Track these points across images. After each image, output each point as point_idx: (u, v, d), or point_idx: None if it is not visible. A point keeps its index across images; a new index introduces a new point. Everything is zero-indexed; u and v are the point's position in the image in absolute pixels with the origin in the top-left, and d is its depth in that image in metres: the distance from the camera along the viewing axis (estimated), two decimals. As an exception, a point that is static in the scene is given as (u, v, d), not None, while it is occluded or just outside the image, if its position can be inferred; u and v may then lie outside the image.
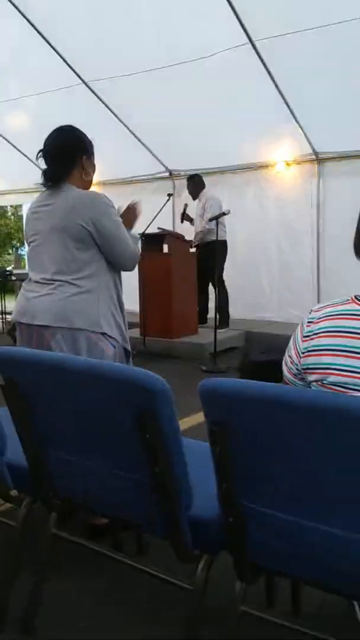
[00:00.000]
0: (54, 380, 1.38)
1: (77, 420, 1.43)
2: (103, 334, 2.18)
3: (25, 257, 11.01)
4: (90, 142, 2.30)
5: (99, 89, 6.66)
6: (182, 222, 6.84)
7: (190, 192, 6.83)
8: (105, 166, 6.93)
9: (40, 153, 2.25)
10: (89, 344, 2.14)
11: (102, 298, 2.20)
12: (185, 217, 6.84)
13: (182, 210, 6.86)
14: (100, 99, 6.76)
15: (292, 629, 1.41)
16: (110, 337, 2.20)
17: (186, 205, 6.86)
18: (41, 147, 2.26)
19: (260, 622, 1.45)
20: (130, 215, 2.46)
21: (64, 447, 1.53)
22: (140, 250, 2.35)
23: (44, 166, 2.25)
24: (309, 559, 1.22)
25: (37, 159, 2.26)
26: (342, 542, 1.12)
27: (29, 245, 2.33)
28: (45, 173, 2.23)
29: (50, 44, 6.10)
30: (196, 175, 6.88)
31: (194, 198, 6.76)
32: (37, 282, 2.21)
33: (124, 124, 7.10)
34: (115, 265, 2.27)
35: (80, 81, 6.53)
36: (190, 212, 6.88)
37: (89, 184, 2.32)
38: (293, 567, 1.30)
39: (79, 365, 1.31)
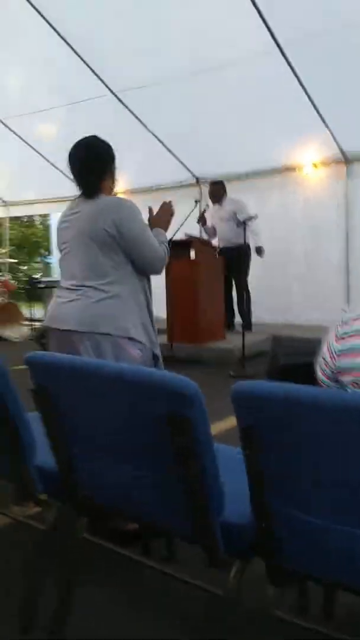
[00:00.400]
0: (85, 385, 1.39)
1: (107, 424, 1.44)
2: (130, 338, 2.19)
3: (53, 266, 11.15)
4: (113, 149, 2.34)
5: (127, 98, 6.73)
6: (199, 223, 6.78)
7: (214, 196, 6.78)
8: (133, 174, 7.03)
9: (72, 164, 2.28)
10: (116, 348, 2.15)
11: (129, 303, 2.22)
12: (201, 219, 6.79)
13: (201, 212, 6.80)
14: (128, 108, 6.84)
15: (325, 634, 1.39)
16: (137, 341, 2.21)
17: (207, 207, 6.83)
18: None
19: (292, 627, 1.43)
20: (164, 215, 2.48)
21: (94, 451, 1.54)
22: (168, 253, 2.35)
23: (70, 176, 2.29)
24: (341, 564, 1.20)
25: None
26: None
27: (60, 254, 2.37)
28: (82, 185, 2.26)
29: (79, 55, 6.21)
30: (221, 181, 6.88)
31: (215, 202, 6.75)
32: (67, 288, 2.25)
33: (151, 132, 7.15)
34: (142, 269, 2.28)
35: (108, 91, 6.62)
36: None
37: (111, 190, 2.37)
38: (325, 572, 1.28)
39: (110, 370, 1.31)
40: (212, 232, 6.87)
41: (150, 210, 2.46)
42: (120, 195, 2.44)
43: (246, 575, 1.44)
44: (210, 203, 6.87)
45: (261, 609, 1.40)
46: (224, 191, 6.79)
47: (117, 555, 1.73)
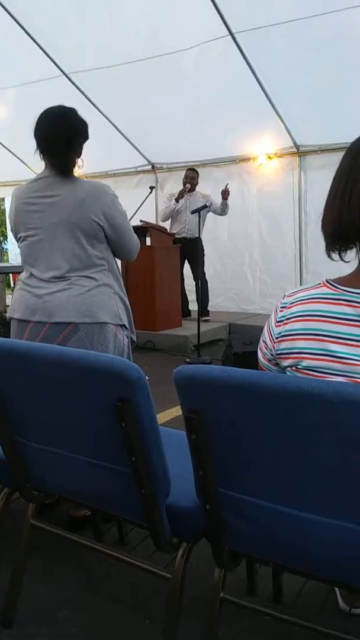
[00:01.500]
0: (27, 370, 1.37)
1: (52, 410, 1.42)
2: (122, 325, 2.18)
3: (8, 251, 10.89)
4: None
5: (80, 81, 6.60)
6: (176, 199, 6.54)
7: (192, 184, 6.60)
8: (88, 159, 6.87)
9: (42, 140, 2.08)
10: (110, 337, 2.12)
11: (117, 290, 2.19)
12: (180, 197, 6.55)
13: (182, 191, 6.56)
14: (82, 91, 6.71)
15: (273, 615, 1.42)
16: (126, 328, 2.21)
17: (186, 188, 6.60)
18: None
19: (241, 609, 1.46)
20: None
21: (40, 437, 1.52)
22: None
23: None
24: (286, 545, 1.23)
25: (39, 148, 2.09)
26: (318, 527, 1.12)
27: (23, 240, 2.16)
28: (58, 162, 2.08)
29: (30, 36, 6.03)
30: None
31: (190, 190, 6.58)
32: (46, 280, 2.09)
33: (106, 117, 7.06)
34: (121, 256, 2.26)
35: (60, 73, 6.47)
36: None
37: (76, 169, 2.21)
38: (270, 553, 1.31)
39: (53, 354, 1.30)
40: (170, 214, 6.68)
41: None
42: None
43: (196, 558, 1.47)
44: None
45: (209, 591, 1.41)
46: (197, 182, 6.71)
47: (68, 540, 1.72)
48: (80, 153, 2.17)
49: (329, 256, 1.17)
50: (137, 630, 1.69)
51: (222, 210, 6.56)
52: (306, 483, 1.09)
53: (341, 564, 1.17)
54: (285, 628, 1.54)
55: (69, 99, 7.06)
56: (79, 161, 2.16)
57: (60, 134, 2.06)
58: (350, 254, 1.14)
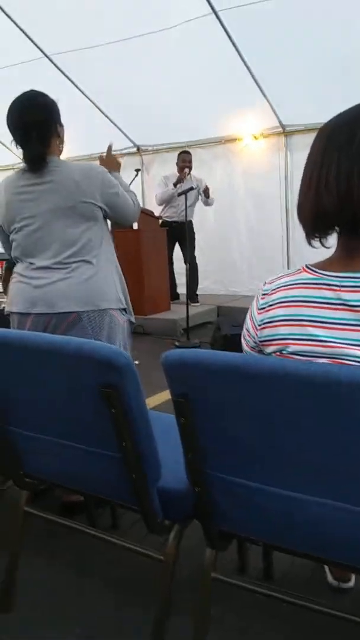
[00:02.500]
0: (15, 358, 1.36)
1: (42, 398, 1.43)
2: (123, 309, 2.18)
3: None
4: (56, 103, 2.12)
5: (62, 63, 6.50)
6: (175, 184, 6.44)
7: (190, 168, 6.50)
8: (72, 143, 6.81)
9: (14, 130, 2.03)
10: (112, 321, 2.12)
11: (116, 272, 2.19)
12: (179, 181, 6.44)
13: (182, 175, 6.44)
14: (64, 73, 6.62)
15: (264, 593, 1.44)
16: (126, 311, 2.22)
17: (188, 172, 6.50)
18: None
19: (232, 587, 1.49)
20: (111, 155, 2.42)
21: (31, 425, 1.53)
22: (136, 197, 2.33)
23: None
24: (275, 525, 1.25)
25: (13, 139, 2.05)
26: (306, 506, 1.14)
27: (18, 231, 2.10)
28: (26, 153, 2.03)
29: (10, 17, 5.91)
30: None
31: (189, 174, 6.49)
32: (46, 267, 2.06)
33: (90, 99, 6.97)
34: (119, 223, 2.28)
35: (42, 54, 6.37)
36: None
37: (61, 151, 2.18)
38: (260, 533, 1.33)
39: (41, 342, 1.29)
40: (169, 199, 6.58)
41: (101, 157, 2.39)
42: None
43: (189, 539, 1.49)
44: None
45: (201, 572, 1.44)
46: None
47: (61, 526, 1.73)
48: (59, 134, 2.13)
49: (310, 244, 1.17)
50: (132, 611, 1.71)
51: (206, 203, 6.55)
52: (293, 463, 1.11)
53: (329, 542, 1.20)
54: (276, 605, 1.58)
55: (51, 81, 6.99)
56: (54, 143, 2.09)
57: (30, 120, 2.01)
58: (331, 240, 1.15)
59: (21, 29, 6.04)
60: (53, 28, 5.95)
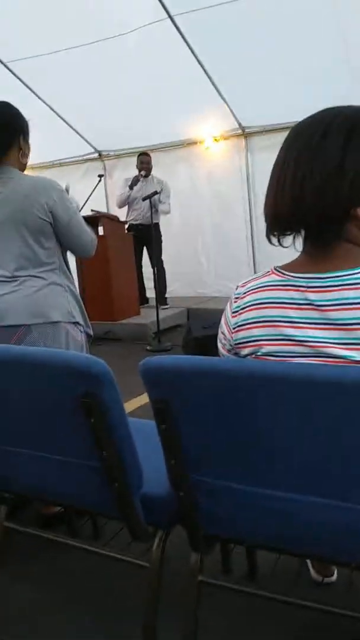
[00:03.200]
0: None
1: (19, 410, 1.41)
2: (75, 323, 2.13)
3: None
4: (26, 120, 2.11)
5: (19, 70, 6.43)
6: (130, 186, 6.50)
7: (147, 169, 6.54)
8: (34, 150, 6.71)
9: None
10: (64, 335, 2.07)
11: (68, 287, 2.13)
12: (134, 184, 6.49)
13: (137, 176, 6.50)
14: (22, 81, 6.54)
15: (250, 593, 1.45)
16: (80, 324, 2.16)
17: (141, 176, 6.53)
18: None
19: (218, 589, 1.49)
20: None
21: (7, 439, 1.50)
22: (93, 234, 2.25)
23: None
24: (260, 525, 1.26)
25: None
26: (290, 505, 1.15)
27: None
28: None
29: None
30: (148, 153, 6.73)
31: (145, 175, 6.53)
32: None
33: (49, 106, 6.91)
34: (75, 252, 2.16)
35: (-2, 62, 6.30)
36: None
37: (24, 167, 2.14)
38: (245, 534, 1.34)
39: (14, 354, 1.28)
40: (126, 201, 6.63)
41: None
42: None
43: (170, 543, 1.49)
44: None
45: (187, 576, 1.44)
46: (152, 166, 6.64)
47: (42, 539, 1.71)
48: (21, 147, 2.08)
49: (269, 240, 1.19)
50: (119, 620, 1.70)
51: (157, 210, 6.40)
52: (276, 463, 1.12)
53: (313, 538, 1.21)
54: (262, 603, 1.59)
55: (8, 89, 6.89)
56: (13, 155, 2.05)
57: None
58: (288, 240, 1.17)
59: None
60: (9, 35, 5.87)
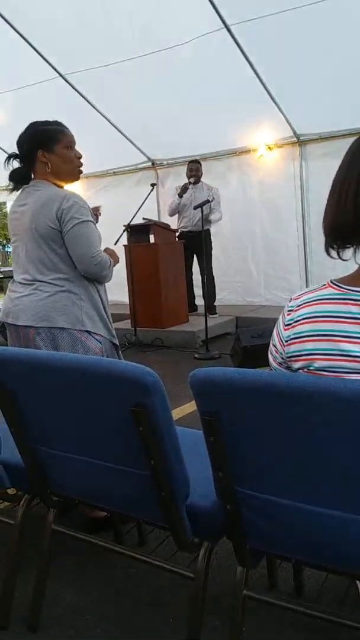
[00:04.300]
0: (43, 378, 1.38)
1: (69, 417, 1.43)
2: (88, 331, 2.17)
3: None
4: (52, 132, 2.17)
5: (77, 82, 6.59)
6: (179, 194, 6.55)
7: (197, 176, 6.61)
8: (88, 159, 6.85)
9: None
10: (72, 342, 2.12)
11: (84, 295, 2.17)
12: (183, 191, 6.56)
13: (185, 184, 6.59)
14: (78, 92, 6.70)
15: (296, 610, 1.42)
16: (95, 333, 2.19)
17: (190, 184, 6.62)
18: None
19: (263, 605, 1.47)
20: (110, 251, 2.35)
21: (58, 444, 1.53)
22: (112, 264, 2.23)
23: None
24: (306, 542, 1.24)
25: (7, 160, 2.21)
26: (338, 523, 1.13)
27: (12, 246, 2.32)
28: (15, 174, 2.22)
29: (24, 38, 6.01)
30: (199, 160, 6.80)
31: (195, 182, 6.59)
32: (20, 282, 2.21)
33: (104, 116, 7.05)
34: (79, 267, 2.13)
35: (57, 74, 6.46)
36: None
37: (67, 175, 2.21)
38: (292, 550, 1.32)
39: (68, 363, 1.30)
40: (176, 209, 6.70)
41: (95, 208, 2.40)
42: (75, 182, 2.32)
43: (218, 556, 1.48)
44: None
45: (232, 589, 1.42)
46: (202, 172, 6.71)
47: (89, 543, 1.73)
48: (37, 160, 2.16)
49: (328, 253, 1.17)
50: (162, 630, 1.70)
51: (207, 219, 6.36)
52: (324, 480, 1.10)
53: (363, 559, 1.18)
54: (308, 621, 1.55)
55: (66, 100, 7.08)
56: (40, 168, 2.16)
57: (19, 145, 2.20)
58: (348, 253, 1.15)
59: (36, 50, 6.13)
60: (67, 48, 6.04)
